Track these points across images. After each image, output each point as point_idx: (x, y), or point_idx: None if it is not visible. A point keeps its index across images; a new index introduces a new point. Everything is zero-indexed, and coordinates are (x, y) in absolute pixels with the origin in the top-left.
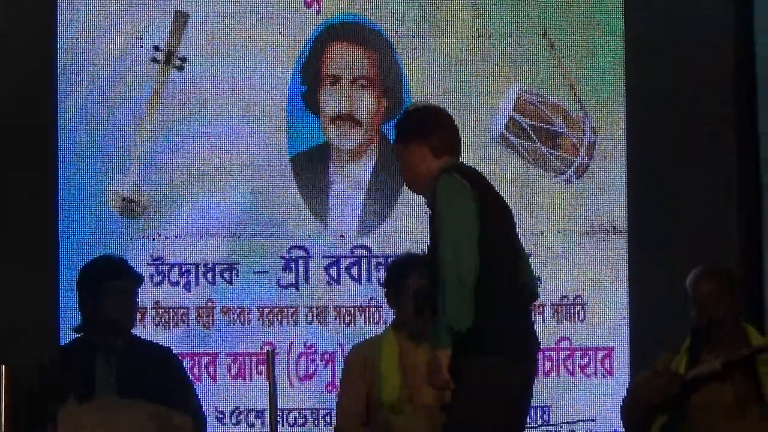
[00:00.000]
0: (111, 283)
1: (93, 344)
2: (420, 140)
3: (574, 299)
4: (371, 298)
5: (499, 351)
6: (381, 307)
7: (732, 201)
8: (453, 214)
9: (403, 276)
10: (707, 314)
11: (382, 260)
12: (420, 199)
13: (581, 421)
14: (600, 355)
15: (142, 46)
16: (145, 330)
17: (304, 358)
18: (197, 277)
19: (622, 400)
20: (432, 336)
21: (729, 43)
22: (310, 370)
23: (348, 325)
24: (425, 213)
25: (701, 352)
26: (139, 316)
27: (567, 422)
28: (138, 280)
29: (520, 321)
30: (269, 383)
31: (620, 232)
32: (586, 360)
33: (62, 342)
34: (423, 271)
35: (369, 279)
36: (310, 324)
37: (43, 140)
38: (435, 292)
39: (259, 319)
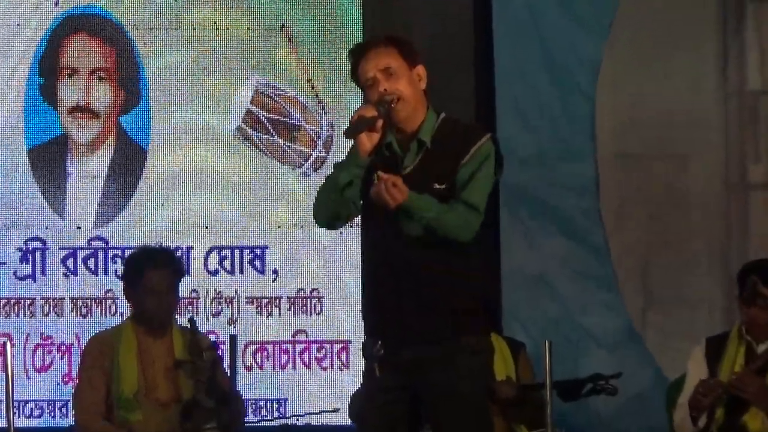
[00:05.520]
0: None
1: None
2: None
3: (310, 292)
4: (108, 290)
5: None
6: (118, 299)
7: None
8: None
9: (140, 270)
10: None
11: (119, 252)
12: (157, 192)
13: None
14: (336, 348)
15: None
16: None
17: (40, 349)
18: None
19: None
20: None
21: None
22: (47, 362)
23: (85, 316)
24: (162, 205)
25: None
26: None
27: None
28: None
29: None
30: (6, 374)
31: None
32: (322, 353)
33: None
34: (162, 264)
35: (105, 271)
36: (47, 315)
37: None
38: None
39: None
